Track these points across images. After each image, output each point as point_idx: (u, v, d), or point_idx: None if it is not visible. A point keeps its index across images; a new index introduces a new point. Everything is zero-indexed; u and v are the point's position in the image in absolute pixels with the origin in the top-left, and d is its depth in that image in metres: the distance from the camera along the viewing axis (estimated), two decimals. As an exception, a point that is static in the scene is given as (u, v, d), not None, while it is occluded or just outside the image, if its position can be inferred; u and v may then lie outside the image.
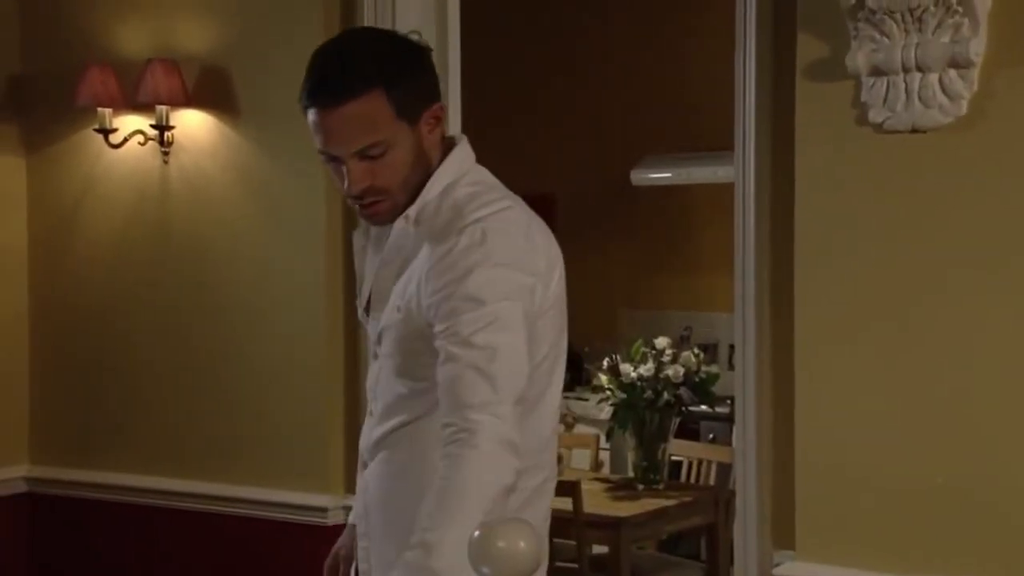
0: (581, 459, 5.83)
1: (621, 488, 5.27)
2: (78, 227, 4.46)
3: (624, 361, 5.23)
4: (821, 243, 3.04)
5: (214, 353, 4.18)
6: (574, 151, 7.37)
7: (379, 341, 2.32)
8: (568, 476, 5.16)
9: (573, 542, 4.78)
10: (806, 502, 3.07)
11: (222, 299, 4.16)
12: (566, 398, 6.70)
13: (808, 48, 3.04)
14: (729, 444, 5.68)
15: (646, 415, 5.17)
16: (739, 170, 3.38)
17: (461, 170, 2.27)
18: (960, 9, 2.78)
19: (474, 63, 4.19)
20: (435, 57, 2.30)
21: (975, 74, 2.82)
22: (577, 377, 7.07)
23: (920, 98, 2.86)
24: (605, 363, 5.30)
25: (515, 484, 2.07)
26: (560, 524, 4.66)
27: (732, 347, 4.31)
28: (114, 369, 4.40)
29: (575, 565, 4.78)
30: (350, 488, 3.71)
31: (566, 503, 4.66)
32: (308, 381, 3.97)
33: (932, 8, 2.80)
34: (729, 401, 5.21)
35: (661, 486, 5.20)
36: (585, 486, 4.90)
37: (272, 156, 3.99)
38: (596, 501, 4.97)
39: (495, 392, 2.07)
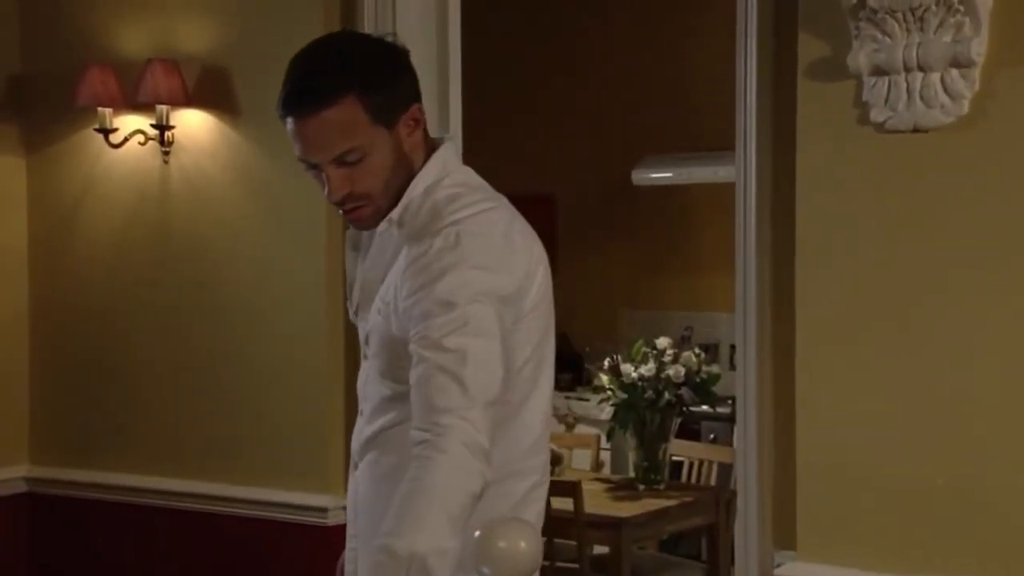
0: (582, 459, 5.83)
1: (622, 488, 5.27)
2: (78, 227, 4.46)
3: (625, 361, 5.23)
4: (822, 243, 3.04)
5: (214, 353, 4.17)
6: (574, 151, 7.37)
7: (367, 342, 2.32)
8: (569, 476, 5.17)
9: (574, 542, 4.78)
10: (807, 502, 3.06)
11: (222, 299, 4.15)
12: (567, 398, 6.75)
13: (809, 47, 3.03)
14: (730, 444, 5.68)
15: (647, 415, 5.17)
16: (740, 170, 3.38)
17: (444, 171, 2.26)
18: (961, 8, 2.78)
19: (474, 63, 4.19)
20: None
21: (976, 74, 2.81)
22: (578, 377, 7.08)
23: (922, 98, 2.86)
24: (606, 363, 5.30)
25: (482, 492, 2.02)
26: (561, 524, 4.70)
27: (733, 347, 4.32)
28: (114, 369, 4.40)
29: (576, 565, 4.78)
30: (350, 488, 3.71)
31: (567, 503, 4.66)
32: (308, 381, 3.97)
33: (933, 7, 2.80)
34: (730, 401, 5.21)
35: (662, 486, 5.20)
36: (586, 486, 4.90)
37: (272, 156, 3.99)
38: (597, 501, 4.97)
39: (465, 396, 2.03)
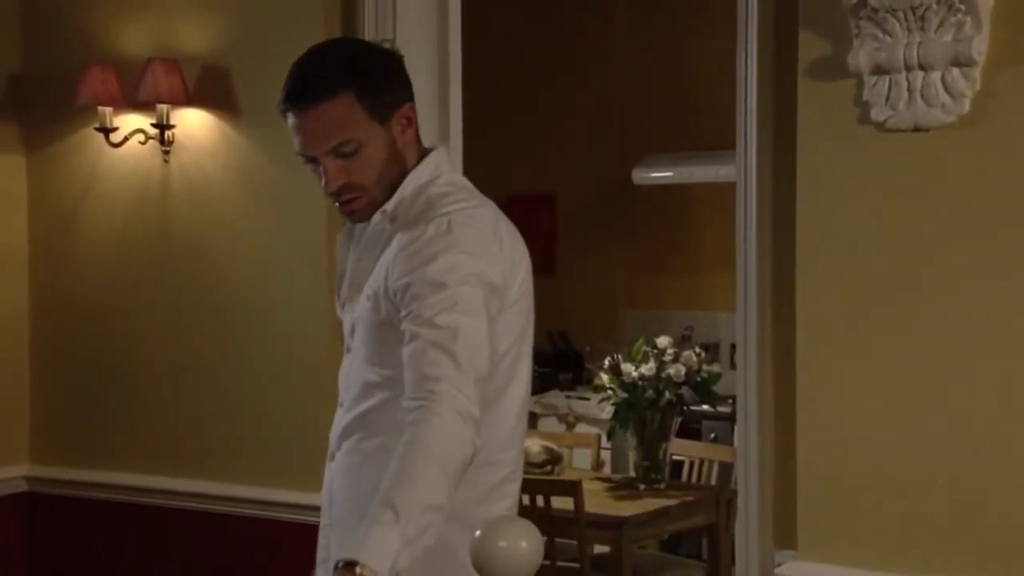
0: (582, 459, 5.83)
1: (622, 488, 5.27)
2: (78, 227, 4.46)
3: (625, 360, 5.22)
4: (822, 242, 3.04)
5: (214, 353, 4.17)
6: (575, 151, 7.37)
7: (352, 334, 2.45)
8: (569, 476, 5.17)
9: (574, 541, 4.79)
10: (808, 502, 3.06)
11: (222, 299, 4.15)
12: (567, 397, 6.76)
13: (810, 47, 3.03)
14: (731, 443, 5.68)
15: (647, 414, 5.17)
16: (740, 169, 3.38)
17: (437, 172, 2.41)
18: (962, 7, 2.78)
19: (474, 63, 4.18)
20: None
21: (977, 73, 2.81)
22: (578, 376, 7.08)
23: (922, 97, 2.86)
24: (606, 362, 5.30)
25: (472, 458, 2.13)
26: (561, 523, 4.70)
27: (733, 346, 4.31)
28: (114, 369, 4.40)
29: (576, 565, 4.78)
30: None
31: (567, 503, 4.67)
32: (308, 381, 3.96)
33: (934, 6, 2.80)
34: (731, 400, 5.21)
35: (662, 486, 5.20)
36: (586, 486, 4.90)
37: (272, 155, 3.99)
38: (597, 501, 4.97)
39: (457, 368, 2.15)
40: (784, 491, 3.23)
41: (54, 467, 4.53)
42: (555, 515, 4.67)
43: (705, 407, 5.58)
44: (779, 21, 3.24)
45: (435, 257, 2.23)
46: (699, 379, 5.20)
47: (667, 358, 5.20)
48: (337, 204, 2.39)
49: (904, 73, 2.86)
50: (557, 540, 4.70)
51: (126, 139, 4.26)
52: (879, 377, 2.96)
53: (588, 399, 6.49)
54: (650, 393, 5.14)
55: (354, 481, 2.41)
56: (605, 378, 5.26)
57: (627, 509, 4.93)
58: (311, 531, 3.88)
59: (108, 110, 4.23)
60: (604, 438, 5.82)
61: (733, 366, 3.93)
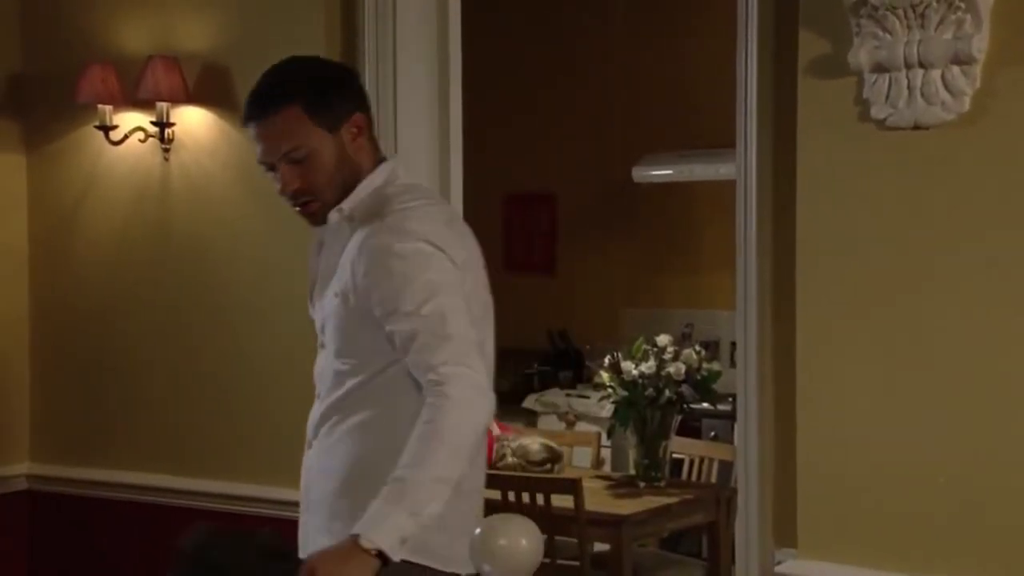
0: (582, 457, 5.82)
1: (622, 486, 5.26)
2: (78, 226, 4.46)
3: (625, 359, 5.21)
4: (823, 240, 3.04)
5: (214, 353, 4.18)
6: (574, 151, 7.36)
7: (323, 330, 2.61)
8: (569, 474, 5.16)
9: (574, 540, 4.78)
10: (808, 500, 3.06)
11: (222, 299, 4.15)
12: (567, 395, 6.75)
13: (810, 45, 3.03)
14: (731, 442, 5.68)
15: (647, 413, 5.16)
16: (740, 168, 3.38)
17: (393, 176, 2.59)
18: (963, 5, 2.78)
19: (474, 63, 4.18)
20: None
21: (978, 70, 2.81)
22: (578, 375, 7.07)
23: (922, 95, 2.86)
24: (606, 361, 5.29)
25: (491, 417, 2.41)
26: (561, 522, 4.69)
27: (734, 344, 4.31)
28: (114, 369, 4.40)
29: (576, 563, 4.77)
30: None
31: (567, 501, 4.66)
32: (308, 381, 3.94)
33: (934, 4, 2.79)
34: (731, 399, 5.20)
35: (662, 484, 5.19)
36: (586, 484, 4.89)
37: (272, 154, 3.98)
38: (597, 499, 4.96)
39: (457, 347, 2.38)
40: (784, 490, 3.23)
41: (54, 465, 4.53)
42: (555, 513, 4.66)
43: (705, 405, 5.56)
44: (779, 20, 3.24)
45: (391, 247, 2.42)
46: (699, 377, 5.19)
47: (667, 356, 5.19)
48: (296, 209, 2.57)
49: (904, 71, 2.86)
50: (557, 538, 4.70)
51: (126, 137, 4.26)
52: (879, 377, 2.96)
53: (588, 397, 6.48)
54: (650, 391, 5.13)
55: (330, 461, 2.56)
56: (605, 376, 5.25)
57: (627, 507, 4.92)
58: (311, 530, 3.90)
59: (108, 108, 4.24)
60: (604, 436, 5.80)
61: (733, 364, 3.93)
